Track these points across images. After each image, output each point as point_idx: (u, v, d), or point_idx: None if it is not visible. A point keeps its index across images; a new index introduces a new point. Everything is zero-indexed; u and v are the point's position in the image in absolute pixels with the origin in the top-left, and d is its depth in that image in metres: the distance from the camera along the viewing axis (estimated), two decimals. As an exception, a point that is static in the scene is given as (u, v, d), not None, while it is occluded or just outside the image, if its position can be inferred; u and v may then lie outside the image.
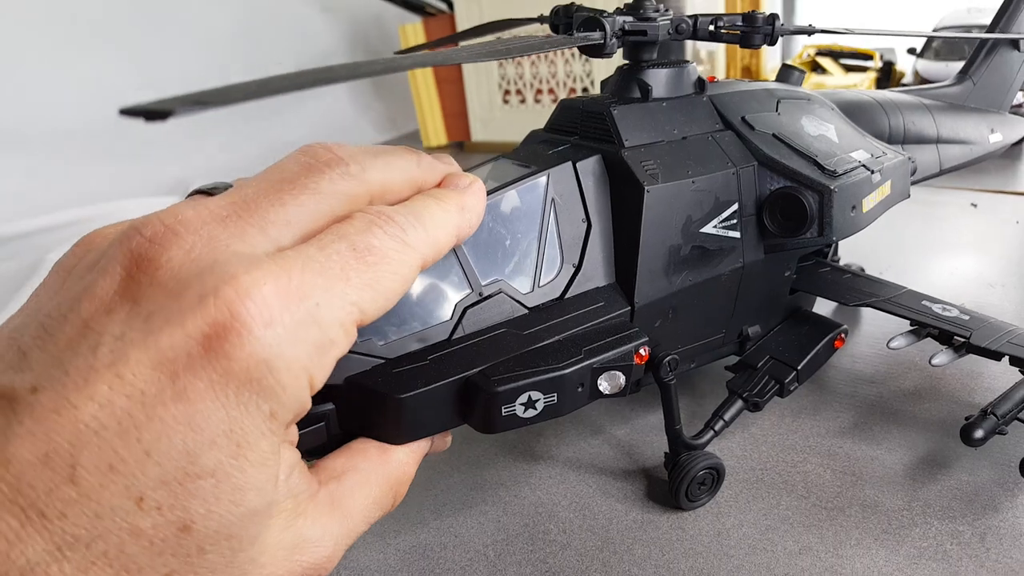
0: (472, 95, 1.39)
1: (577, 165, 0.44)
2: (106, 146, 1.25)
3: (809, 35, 0.48)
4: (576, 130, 0.47)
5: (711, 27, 0.46)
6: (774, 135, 0.47)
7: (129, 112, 0.21)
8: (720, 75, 1.31)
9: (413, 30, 1.38)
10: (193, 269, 0.24)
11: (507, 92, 1.36)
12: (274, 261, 0.25)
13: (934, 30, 1.25)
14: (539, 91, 1.34)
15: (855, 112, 0.57)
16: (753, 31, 0.46)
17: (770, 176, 0.46)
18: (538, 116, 1.35)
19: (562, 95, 1.32)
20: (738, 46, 0.46)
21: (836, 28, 0.49)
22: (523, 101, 1.36)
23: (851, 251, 0.72)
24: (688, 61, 0.47)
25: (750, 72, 1.40)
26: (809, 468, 0.50)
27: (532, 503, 0.49)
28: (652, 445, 0.52)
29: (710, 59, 1.25)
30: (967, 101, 0.70)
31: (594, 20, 0.39)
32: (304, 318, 0.25)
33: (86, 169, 1.22)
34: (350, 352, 0.38)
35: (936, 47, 1.22)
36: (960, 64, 1.12)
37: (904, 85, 1.21)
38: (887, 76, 1.33)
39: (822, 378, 0.58)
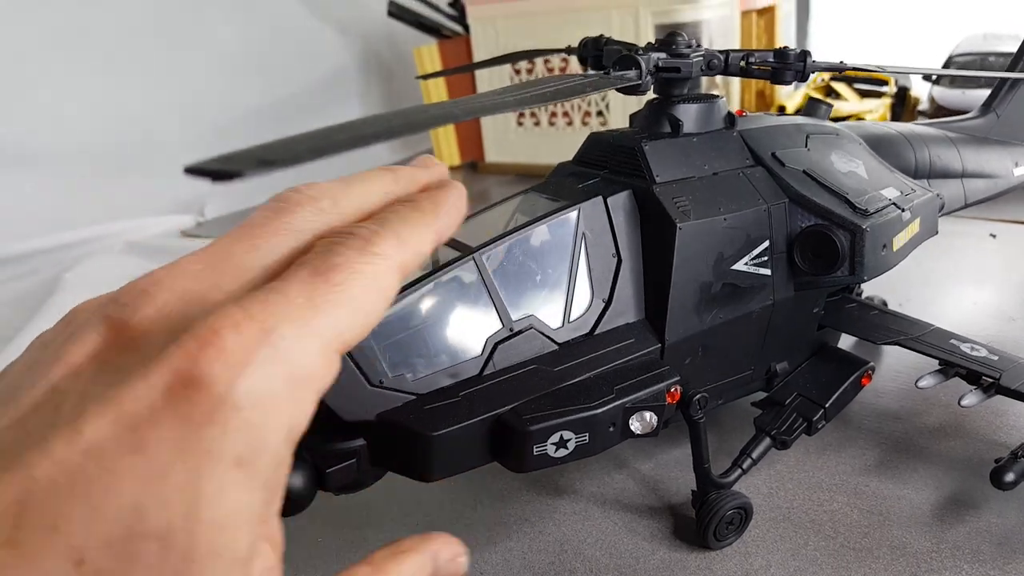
0: (487, 118, 1.39)
1: (608, 200, 0.44)
2: (121, 164, 1.25)
3: (841, 72, 0.48)
4: (606, 164, 0.47)
5: (742, 63, 0.46)
6: (805, 171, 0.46)
7: (194, 171, 0.21)
8: (735, 99, 1.32)
9: (428, 52, 1.38)
10: (164, 325, 0.24)
11: (521, 115, 1.37)
12: (237, 304, 0.24)
13: (950, 56, 1.25)
14: (553, 114, 1.34)
15: (881, 146, 0.57)
16: (785, 67, 0.46)
17: (801, 213, 0.45)
18: (552, 139, 1.35)
19: (576, 119, 1.32)
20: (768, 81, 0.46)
21: (867, 66, 0.49)
22: (537, 124, 1.36)
23: (872, 283, 0.72)
24: (718, 96, 0.47)
25: (764, 97, 1.40)
26: (836, 507, 0.49)
27: (557, 539, 0.48)
28: (677, 481, 0.52)
29: (725, 84, 1.26)
30: (991, 134, 0.70)
31: (630, 59, 0.39)
32: (269, 354, 0.24)
33: (102, 186, 1.22)
34: (382, 388, 0.38)
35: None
36: (977, 92, 1.13)
37: (920, 112, 1.21)
38: (902, 102, 1.33)
39: (847, 414, 0.57)
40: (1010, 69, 0.73)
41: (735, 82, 1.29)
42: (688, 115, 0.46)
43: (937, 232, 0.53)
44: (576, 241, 0.43)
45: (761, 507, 0.49)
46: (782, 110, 1.27)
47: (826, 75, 1.38)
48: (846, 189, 0.46)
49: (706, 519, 0.45)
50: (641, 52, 0.41)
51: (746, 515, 0.46)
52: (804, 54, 0.45)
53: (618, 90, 0.40)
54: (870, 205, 0.45)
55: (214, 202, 1.30)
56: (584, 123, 1.31)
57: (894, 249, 0.46)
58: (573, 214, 0.43)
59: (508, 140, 1.40)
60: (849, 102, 1.28)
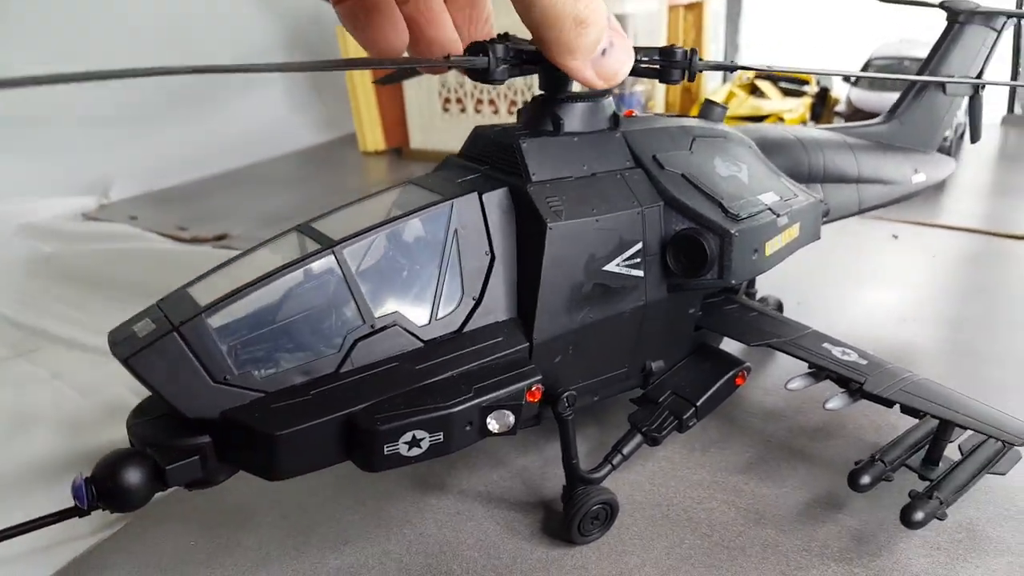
0: (411, 101, 1.37)
1: (483, 197, 0.43)
2: (25, 142, 1.20)
3: (731, 71, 0.48)
4: (488, 160, 0.46)
5: None
6: (683, 175, 0.46)
7: None
8: (659, 95, 1.32)
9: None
10: None
11: (447, 100, 1.35)
12: None
13: (868, 60, 1.27)
14: (479, 101, 1.33)
15: (774, 150, 0.57)
16: (671, 66, 0.44)
17: (675, 217, 0.45)
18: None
19: (503, 107, 1.31)
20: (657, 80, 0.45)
21: (756, 65, 0.49)
22: (463, 110, 1.35)
23: (771, 283, 0.73)
24: (606, 93, 0.46)
25: (691, 92, 1.41)
26: (714, 505, 0.49)
27: (437, 541, 0.48)
28: (563, 477, 0.52)
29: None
30: (895, 140, 0.71)
31: (479, 45, 0.38)
32: None
33: (2, 165, 1.17)
34: (225, 384, 0.37)
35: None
36: (892, 95, 1.15)
37: (837, 113, 1.24)
38: (823, 101, 1.36)
39: (732, 411, 0.58)
40: (918, 73, 0.74)
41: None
42: (571, 114, 0.45)
43: (819, 237, 0.53)
44: (448, 237, 0.42)
45: (641, 504, 0.49)
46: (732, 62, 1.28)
47: (751, 72, 1.39)
48: (722, 193, 0.46)
49: (571, 514, 0.45)
50: (496, 42, 0.39)
51: (611, 511, 0.46)
52: (690, 53, 0.44)
53: (469, 76, 0.39)
54: (743, 210, 0.45)
55: (120, 184, 1.25)
56: (510, 112, 1.30)
57: (767, 254, 0.46)
58: (446, 209, 0.42)
59: (434, 126, 1.38)
60: (772, 100, 1.30)
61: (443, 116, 1.35)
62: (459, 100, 1.34)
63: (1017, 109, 1.51)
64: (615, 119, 0.47)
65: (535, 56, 0.38)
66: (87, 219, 1.14)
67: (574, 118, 0.45)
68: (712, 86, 1.52)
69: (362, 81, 1.40)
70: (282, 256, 0.41)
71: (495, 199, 0.43)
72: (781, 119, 1.21)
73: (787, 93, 1.33)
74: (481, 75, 0.37)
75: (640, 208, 0.45)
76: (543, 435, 0.55)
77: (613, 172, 0.45)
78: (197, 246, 0.99)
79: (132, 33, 1.33)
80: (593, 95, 0.46)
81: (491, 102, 1.32)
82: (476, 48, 0.37)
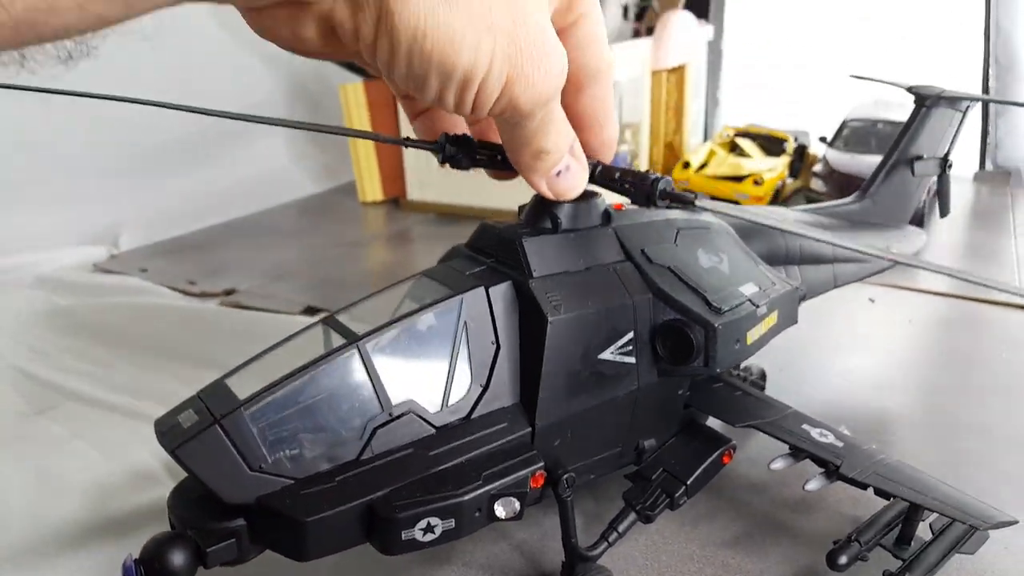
0: (409, 155, 1.42)
1: (490, 291, 0.47)
2: (35, 193, 1.23)
3: (692, 204, 0.49)
4: (493, 254, 0.50)
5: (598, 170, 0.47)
6: (669, 268, 0.50)
7: None
8: (644, 151, 1.37)
9: (354, 90, 1.40)
10: None
11: (444, 155, 1.39)
12: None
13: (844, 120, 1.33)
14: (474, 157, 1.37)
15: (753, 235, 0.61)
16: (640, 192, 0.46)
17: (664, 308, 0.49)
18: (473, 181, 1.37)
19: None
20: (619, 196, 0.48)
21: (720, 208, 0.51)
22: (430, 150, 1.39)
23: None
24: (597, 194, 0.51)
25: (674, 148, 1.47)
26: (703, 579, 0.53)
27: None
28: (560, 551, 0.55)
29: (634, 138, 1.31)
30: (868, 217, 0.76)
31: (444, 136, 0.44)
32: None
33: (11, 215, 1.20)
34: (261, 472, 0.40)
35: (845, 136, 1.30)
36: (866, 157, 1.21)
37: (815, 173, 1.29)
38: (800, 159, 1.42)
39: (719, 482, 0.61)
40: (886, 157, 0.79)
41: (645, 135, 1.35)
42: (567, 212, 0.49)
43: (796, 321, 0.57)
44: (458, 329, 0.46)
45: (635, 579, 0.53)
46: (687, 164, 1.33)
47: (731, 131, 1.45)
48: (705, 286, 0.50)
49: None
50: (458, 138, 0.45)
51: None
52: (662, 182, 0.46)
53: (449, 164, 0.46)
54: (725, 303, 0.49)
55: (128, 233, 1.28)
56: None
57: (748, 343, 0.50)
58: (456, 303, 0.46)
59: (430, 180, 1.43)
60: (753, 159, 1.35)
61: (439, 171, 1.39)
62: (455, 154, 1.39)
63: (988, 165, 1.58)
64: (607, 215, 0.52)
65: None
66: (98, 270, 1.17)
67: (570, 216, 0.49)
68: (694, 141, 1.59)
69: (360, 123, 1.44)
70: (311, 348, 0.45)
71: (500, 292, 0.47)
72: (761, 178, 1.26)
73: (767, 151, 1.39)
74: (440, 159, 0.45)
75: (631, 300, 0.49)
76: (542, 508, 0.59)
77: (606, 266, 0.50)
78: (206, 301, 1.02)
79: (134, 84, 1.37)
80: (585, 195, 0.50)
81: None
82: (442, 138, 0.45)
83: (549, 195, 0.43)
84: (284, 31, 0.32)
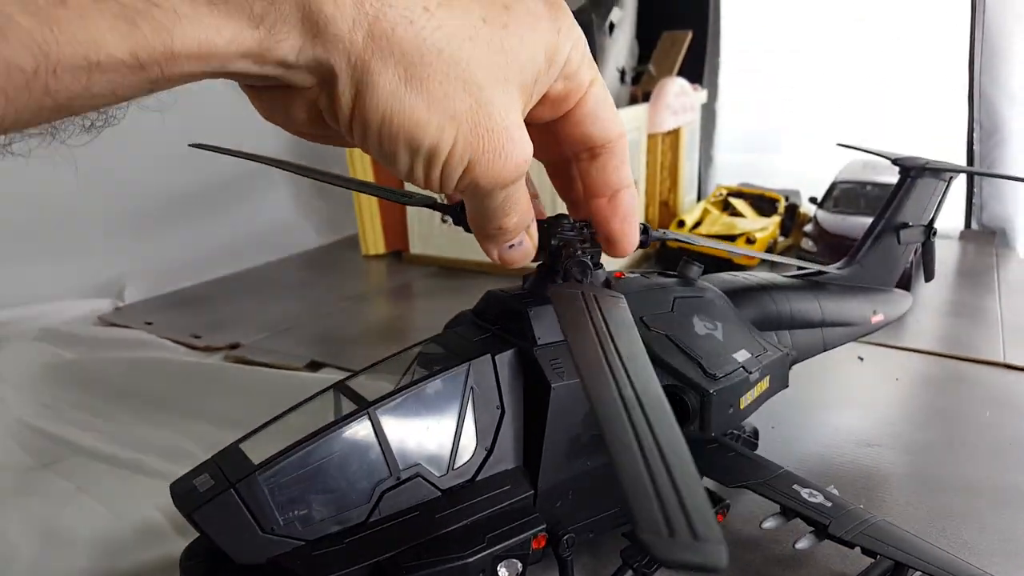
0: (412, 210, 1.45)
1: (495, 358, 0.49)
2: (39, 246, 1.26)
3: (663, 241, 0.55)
4: (498, 321, 0.53)
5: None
6: (667, 335, 0.53)
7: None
8: (640, 210, 1.41)
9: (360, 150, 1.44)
10: None
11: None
12: None
13: (834, 182, 1.37)
14: (474, 213, 1.41)
15: (745, 300, 0.64)
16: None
17: (661, 373, 0.52)
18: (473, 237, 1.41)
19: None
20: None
21: (687, 237, 0.56)
22: (446, 213, 1.43)
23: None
24: (600, 265, 0.53)
25: (668, 207, 1.51)
26: (695, 637, 0.54)
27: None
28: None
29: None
30: (855, 282, 0.79)
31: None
32: None
33: (16, 268, 1.22)
34: (273, 535, 0.42)
35: (835, 197, 1.34)
36: (855, 218, 1.24)
37: (806, 233, 1.32)
38: (792, 218, 1.46)
39: (712, 539, 0.63)
40: (873, 224, 0.83)
41: (641, 195, 1.39)
42: None
43: (787, 385, 0.60)
44: (465, 394, 0.48)
45: (631, 636, 0.54)
46: (681, 223, 1.37)
47: (724, 191, 1.49)
48: (700, 353, 0.53)
49: None
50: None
51: None
52: (645, 227, 0.52)
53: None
54: (719, 369, 0.52)
55: (133, 286, 1.31)
56: (503, 223, 1.38)
57: (741, 408, 0.53)
58: (463, 370, 0.48)
59: (432, 234, 1.46)
60: (746, 218, 1.39)
61: (441, 226, 1.43)
62: (456, 210, 1.42)
63: (974, 225, 1.62)
64: (607, 284, 0.54)
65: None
66: (103, 323, 1.19)
67: None
68: (689, 198, 1.63)
69: (364, 174, 1.48)
70: (322, 413, 0.47)
71: (505, 359, 0.50)
72: (754, 237, 1.30)
73: (759, 211, 1.43)
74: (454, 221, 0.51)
75: None
76: (541, 566, 0.60)
77: None
78: (211, 355, 1.04)
79: (144, 148, 1.40)
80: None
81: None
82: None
83: (498, 262, 0.46)
84: (280, 114, 0.36)
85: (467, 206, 0.43)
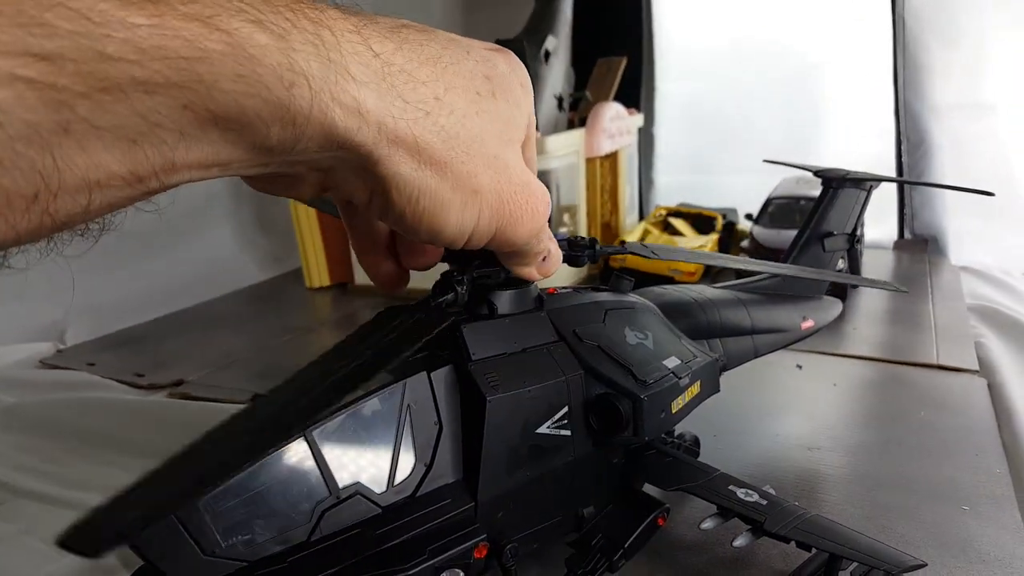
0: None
1: (431, 375, 0.50)
2: (-23, 289, 1.23)
3: (624, 252, 0.58)
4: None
5: None
6: (599, 346, 0.55)
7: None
8: (583, 231, 1.44)
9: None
10: None
11: (390, 240, 1.44)
12: None
13: (769, 198, 1.41)
14: (420, 240, 1.42)
15: (675, 312, 0.66)
16: (577, 254, 0.56)
17: (594, 383, 0.53)
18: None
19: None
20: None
21: (640, 250, 0.59)
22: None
23: (689, 418, 0.81)
24: (529, 281, 0.55)
25: (611, 228, 1.53)
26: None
27: None
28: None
29: (572, 219, 1.37)
30: (784, 291, 0.82)
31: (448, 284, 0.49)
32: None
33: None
34: (215, 557, 0.42)
35: (771, 213, 1.38)
36: (790, 231, 1.28)
37: (743, 248, 1.36)
38: (730, 235, 1.50)
39: (657, 545, 0.64)
40: (799, 234, 0.86)
41: (582, 217, 1.41)
42: (503, 300, 0.53)
43: (719, 390, 0.62)
44: (402, 412, 0.49)
45: (577, 643, 0.55)
46: (623, 243, 1.40)
47: (663, 211, 1.53)
48: (632, 361, 0.54)
49: None
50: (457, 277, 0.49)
51: None
52: (593, 242, 0.56)
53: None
54: (650, 376, 0.53)
55: (74, 328, 1.28)
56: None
57: (672, 412, 0.54)
58: (399, 388, 0.49)
59: (377, 264, 1.46)
60: (686, 236, 1.42)
61: (386, 254, 1.44)
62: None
63: (907, 234, 1.68)
64: (539, 300, 0.56)
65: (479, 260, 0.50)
66: (46, 366, 1.17)
67: (505, 303, 0.53)
68: (631, 220, 1.66)
69: (307, 219, 1.48)
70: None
71: (441, 376, 0.50)
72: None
73: (698, 229, 1.47)
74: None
75: (565, 377, 0.52)
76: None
77: (540, 347, 0.53)
78: (155, 394, 1.03)
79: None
80: (519, 283, 0.54)
81: (431, 240, 1.41)
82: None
83: (539, 279, 0.50)
84: (281, 192, 0.37)
85: (499, 254, 0.46)
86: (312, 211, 1.47)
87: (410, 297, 0.56)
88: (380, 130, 0.32)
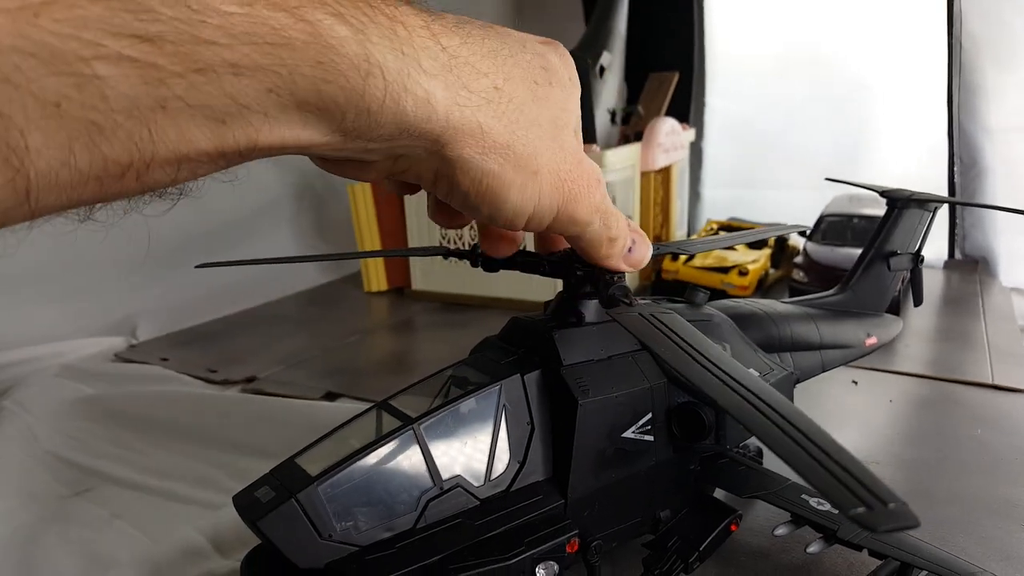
0: (414, 244, 1.50)
1: (524, 377, 0.53)
2: (53, 286, 1.29)
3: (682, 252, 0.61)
4: (524, 344, 0.57)
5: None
6: None
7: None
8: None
9: (362, 189, 1.49)
10: None
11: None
12: None
13: (822, 215, 1.43)
14: (476, 248, 1.45)
15: (749, 325, 0.69)
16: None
17: (677, 391, 0.56)
18: (475, 273, 1.45)
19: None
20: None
21: (676, 247, 0.62)
22: (462, 258, 1.47)
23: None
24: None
25: (661, 240, 1.56)
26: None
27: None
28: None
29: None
30: (849, 307, 0.84)
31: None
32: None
33: (34, 309, 1.25)
34: (330, 541, 0.46)
35: (823, 230, 1.39)
36: (844, 249, 1.30)
37: (796, 264, 1.38)
38: (781, 250, 1.51)
39: (727, 551, 0.67)
40: (864, 253, 0.88)
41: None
42: (589, 309, 0.56)
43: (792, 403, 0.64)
44: (498, 412, 0.52)
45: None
46: (675, 256, 1.42)
47: (715, 224, 1.55)
48: None
49: None
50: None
51: None
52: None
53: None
54: None
55: (145, 324, 1.34)
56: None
57: None
58: (496, 389, 0.52)
59: (434, 270, 1.50)
60: (737, 251, 1.44)
61: (443, 263, 1.48)
62: (458, 248, 1.47)
63: (957, 254, 1.68)
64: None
65: (557, 267, 0.54)
66: (121, 360, 1.22)
67: (591, 312, 0.56)
68: (679, 235, 1.68)
69: (367, 224, 1.52)
70: (368, 431, 0.51)
71: (533, 379, 0.54)
72: (746, 269, 1.35)
73: (749, 244, 1.48)
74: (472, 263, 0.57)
75: (649, 385, 0.55)
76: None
77: (625, 355, 0.56)
78: (229, 388, 1.07)
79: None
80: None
81: (486, 248, 1.45)
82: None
83: (629, 270, 0.51)
84: (349, 174, 0.40)
85: (571, 240, 0.48)
86: (372, 217, 1.51)
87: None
88: (448, 118, 0.35)
